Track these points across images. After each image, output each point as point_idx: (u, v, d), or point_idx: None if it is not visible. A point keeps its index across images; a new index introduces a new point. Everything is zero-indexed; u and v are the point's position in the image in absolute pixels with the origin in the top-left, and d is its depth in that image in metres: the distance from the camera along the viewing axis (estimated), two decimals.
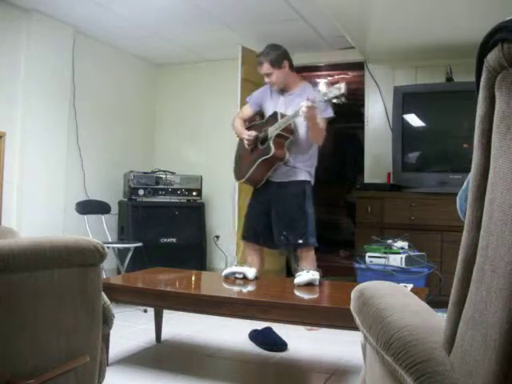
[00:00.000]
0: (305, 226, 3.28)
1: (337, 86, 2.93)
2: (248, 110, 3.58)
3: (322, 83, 3.12)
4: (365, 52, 4.40)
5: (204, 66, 5.22)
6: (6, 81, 3.84)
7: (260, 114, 3.62)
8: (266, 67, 3.33)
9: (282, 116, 3.25)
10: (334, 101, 2.96)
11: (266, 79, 3.39)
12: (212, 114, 5.14)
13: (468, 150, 3.74)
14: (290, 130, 3.26)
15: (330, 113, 3.28)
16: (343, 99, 2.95)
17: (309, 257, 3.35)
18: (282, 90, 3.42)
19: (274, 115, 3.32)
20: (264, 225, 3.40)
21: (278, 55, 3.33)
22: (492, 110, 0.68)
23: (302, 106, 2.98)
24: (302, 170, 3.36)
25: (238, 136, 3.62)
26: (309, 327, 3.12)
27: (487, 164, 0.70)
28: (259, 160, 3.30)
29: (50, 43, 4.09)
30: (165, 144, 5.41)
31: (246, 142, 3.41)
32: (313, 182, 3.42)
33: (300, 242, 3.29)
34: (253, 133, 3.39)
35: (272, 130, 3.27)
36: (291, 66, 3.39)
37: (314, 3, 3.44)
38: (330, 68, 5.21)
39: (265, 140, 3.34)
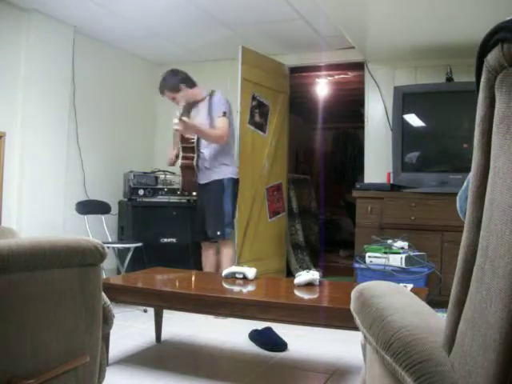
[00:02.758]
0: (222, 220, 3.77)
1: None
2: None
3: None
4: (365, 52, 4.40)
5: (204, 65, 5.21)
6: (5, 81, 3.84)
7: None
8: (168, 95, 3.87)
9: None
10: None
11: (174, 102, 3.87)
12: None
13: (468, 150, 3.74)
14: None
15: (218, 111, 3.72)
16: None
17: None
18: (195, 103, 3.91)
19: None
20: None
21: (174, 83, 3.83)
22: (492, 110, 0.68)
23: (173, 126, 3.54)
24: (217, 170, 3.82)
25: None
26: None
27: (487, 164, 0.70)
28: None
29: (50, 43, 4.09)
30: (165, 144, 5.40)
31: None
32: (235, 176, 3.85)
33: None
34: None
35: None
36: (190, 85, 3.88)
37: (313, 3, 3.43)
38: (330, 68, 5.21)
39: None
